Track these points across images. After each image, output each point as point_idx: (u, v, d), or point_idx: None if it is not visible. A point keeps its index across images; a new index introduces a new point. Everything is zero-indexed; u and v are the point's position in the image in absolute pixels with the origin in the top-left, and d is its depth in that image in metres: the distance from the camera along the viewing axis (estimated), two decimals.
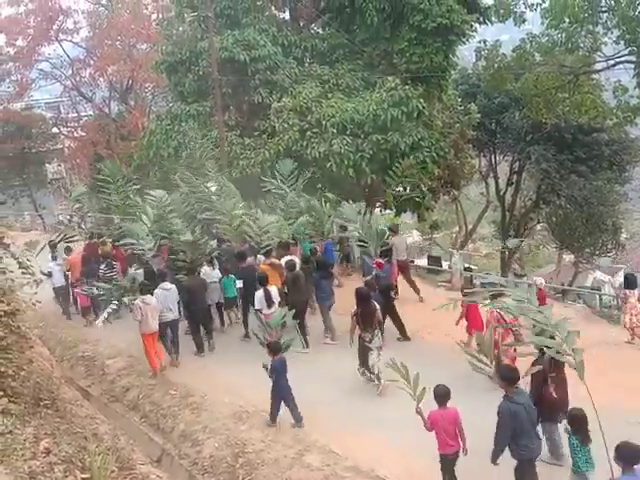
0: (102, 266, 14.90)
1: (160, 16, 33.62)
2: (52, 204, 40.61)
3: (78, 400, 10.10)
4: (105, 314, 12.18)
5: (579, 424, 6.99)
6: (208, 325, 13.28)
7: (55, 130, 42.92)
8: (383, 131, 19.07)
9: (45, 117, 43.68)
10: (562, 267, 32.28)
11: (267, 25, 21.71)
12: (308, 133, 19.24)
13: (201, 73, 21.40)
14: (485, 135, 27.71)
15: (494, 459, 7.24)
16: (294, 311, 11.09)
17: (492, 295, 8.59)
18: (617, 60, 21.76)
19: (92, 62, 38.75)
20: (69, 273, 15.99)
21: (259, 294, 12.08)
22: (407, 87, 18.86)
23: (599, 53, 22.26)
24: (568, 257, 31.60)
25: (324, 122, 19.07)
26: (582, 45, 21.50)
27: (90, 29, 38.89)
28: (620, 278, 37.33)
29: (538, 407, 7.63)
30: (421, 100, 19.06)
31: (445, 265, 23.86)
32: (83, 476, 6.69)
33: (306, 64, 21.98)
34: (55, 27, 37.47)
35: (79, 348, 14.20)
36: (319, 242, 15.52)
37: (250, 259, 13.79)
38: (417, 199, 23.43)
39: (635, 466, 5.96)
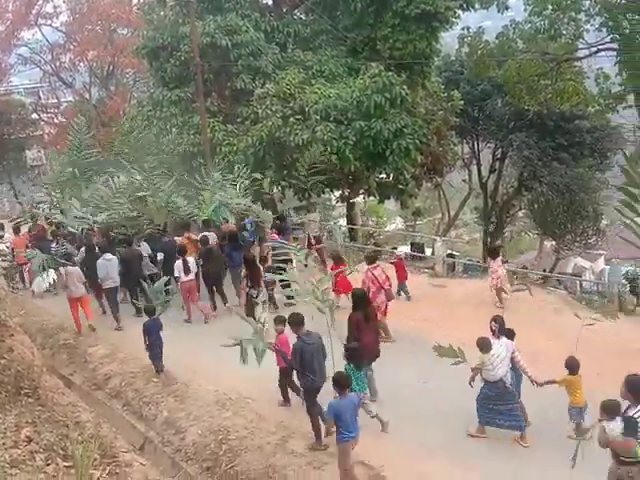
0: (53, 244, 16.25)
1: (141, 0, 33.28)
2: (31, 191, 40.12)
3: (60, 388, 10.01)
4: (46, 282, 13.13)
5: (351, 355, 8.59)
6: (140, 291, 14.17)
7: (35, 116, 42.37)
8: (367, 118, 19.05)
9: (24, 103, 43.06)
10: (543, 253, 32.53)
11: (250, 10, 21.57)
12: (291, 119, 19.15)
13: (183, 58, 21.22)
14: (468, 122, 27.73)
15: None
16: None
17: (368, 260, 12.15)
18: (599, 47, 21.80)
19: (72, 47, 38.27)
20: (16, 252, 16.89)
21: (178, 263, 13.79)
22: (390, 74, 18.82)
23: (581, 40, 22.29)
24: (549, 243, 31.83)
25: (307, 108, 19.01)
26: (565, 32, 21.56)
27: (70, 13, 38.34)
28: (601, 265, 37.82)
29: (352, 352, 8.86)
30: (404, 87, 19.05)
31: (428, 252, 24.00)
32: (65, 464, 6.66)
33: (289, 50, 21.89)
34: (34, 11, 36.92)
35: (60, 336, 14.11)
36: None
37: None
38: (400, 186, 23.53)
39: None
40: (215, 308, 14.39)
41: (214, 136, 20.48)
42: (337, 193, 25.79)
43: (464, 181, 34.39)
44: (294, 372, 9.35)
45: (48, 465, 6.46)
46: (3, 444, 6.19)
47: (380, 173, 22.78)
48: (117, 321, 14.07)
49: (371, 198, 27.90)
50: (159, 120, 21.37)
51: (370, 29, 20.79)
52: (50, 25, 38.55)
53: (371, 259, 12.42)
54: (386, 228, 44.48)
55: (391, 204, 35.92)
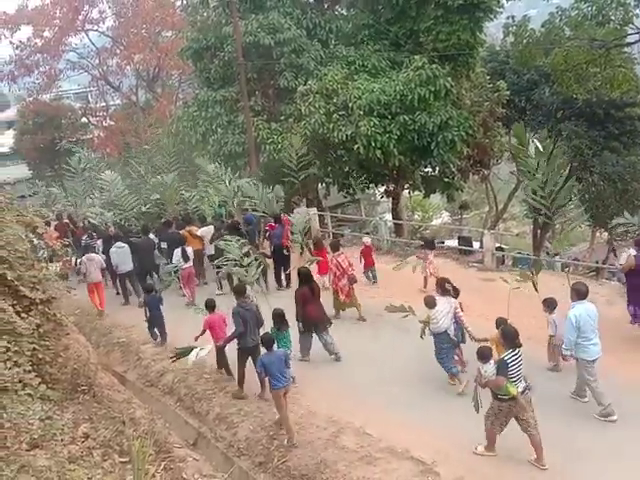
0: (84, 237, 18.15)
1: (184, 2, 33.71)
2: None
3: (114, 385, 10.27)
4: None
5: (277, 320, 10.25)
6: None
7: (84, 120, 43.37)
8: (411, 111, 18.87)
9: (74, 107, 44.18)
10: (595, 245, 31.75)
11: (291, 8, 21.60)
12: (334, 116, 19.12)
13: (226, 59, 21.43)
14: (515, 112, 27.18)
15: (225, 343, 10.61)
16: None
17: (332, 248, 13.55)
18: None
19: (118, 51, 39.05)
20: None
21: (177, 252, 15.21)
22: (434, 66, 18.59)
23: (631, 26, 21.61)
24: (602, 235, 31.05)
25: (350, 104, 18.93)
26: (613, 18, 20.92)
27: (115, 18, 39.14)
28: None
29: (301, 321, 11.09)
30: (449, 79, 18.81)
31: (476, 245, 23.68)
32: (121, 460, 6.81)
33: (331, 46, 21.85)
34: (81, 17, 37.82)
35: (114, 334, 14.43)
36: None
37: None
38: (446, 179, 23.27)
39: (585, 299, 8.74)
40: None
41: (258, 135, 20.62)
42: (382, 188, 25.66)
43: (512, 173, 33.80)
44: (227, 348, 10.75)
45: (105, 461, 6.61)
46: (61, 440, 6.35)
47: (425, 167, 22.56)
48: (125, 299, 16.20)
49: (416, 192, 27.66)
50: (205, 120, 21.60)
51: (412, 22, 20.54)
52: (96, 30, 39.45)
53: (335, 247, 13.63)
54: (432, 222, 44.07)
55: (437, 198, 35.61)
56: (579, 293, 8.76)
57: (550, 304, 9.91)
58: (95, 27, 39.17)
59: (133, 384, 12.33)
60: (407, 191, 26.07)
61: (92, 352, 10.51)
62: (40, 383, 6.74)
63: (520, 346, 7.72)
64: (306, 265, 12.79)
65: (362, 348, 11.68)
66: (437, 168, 22.36)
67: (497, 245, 19.43)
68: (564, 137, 26.54)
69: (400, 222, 23.76)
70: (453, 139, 19.22)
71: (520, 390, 7.56)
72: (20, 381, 6.39)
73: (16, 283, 7.56)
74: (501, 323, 8.83)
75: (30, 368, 6.84)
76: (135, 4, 38.26)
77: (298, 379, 10.48)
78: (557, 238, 32.97)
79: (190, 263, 15.33)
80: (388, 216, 29.50)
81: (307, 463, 8.48)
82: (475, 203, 45.07)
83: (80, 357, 8.94)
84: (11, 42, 37.52)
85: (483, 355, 7.99)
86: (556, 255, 25.99)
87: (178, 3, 37.54)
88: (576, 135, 25.56)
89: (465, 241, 25.48)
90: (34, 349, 7.29)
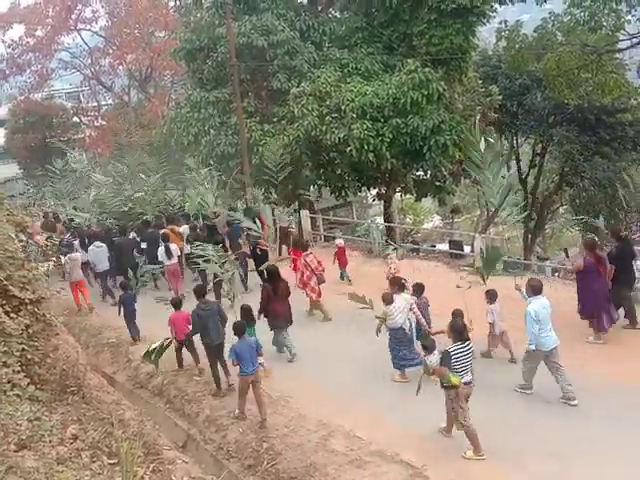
0: (67, 235, 18.54)
1: (178, 3, 33.59)
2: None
3: (104, 386, 10.21)
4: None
5: (243, 314, 10.61)
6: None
7: (76, 119, 43.24)
8: (403, 115, 18.91)
9: (66, 106, 44.05)
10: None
11: (285, 10, 21.59)
12: (327, 118, 19.13)
13: (219, 59, 21.37)
14: (507, 117, 27.29)
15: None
16: None
17: (301, 249, 14.12)
18: None
19: (111, 51, 38.99)
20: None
21: (161, 249, 15.60)
22: (427, 70, 18.63)
23: (622, 32, 21.76)
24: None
25: (343, 107, 18.95)
26: (605, 24, 21.04)
27: (108, 18, 39.09)
28: None
29: (267, 318, 11.56)
30: (441, 83, 18.84)
31: (467, 249, 23.72)
32: (110, 461, 6.77)
33: (324, 48, 21.83)
34: (74, 16, 37.74)
35: (103, 335, 14.36)
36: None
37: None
38: (438, 183, 23.30)
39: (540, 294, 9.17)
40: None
41: (251, 136, 20.59)
42: (374, 191, 25.67)
43: (503, 177, 33.88)
44: (192, 342, 11.33)
45: (94, 462, 6.57)
46: (50, 441, 6.30)
47: (417, 170, 22.59)
48: (112, 297, 16.10)
49: (408, 196, 27.69)
50: (197, 121, 21.54)
51: (406, 25, 20.58)
52: (89, 30, 39.41)
53: (304, 247, 14.23)
54: (424, 226, 44.13)
55: (429, 202, 35.62)
56: (534, 289, 9.22)
57: (491, 295, 10.55)
58: (88, 26, 39.12)
59: (122, 385, 12.29)
60: (399, 194, 26.09)
61: (81, 353, 10.48)
62: (29, 384, 6.70)
63: (468, 339, 8.17)
64: (275, 263, 12.97)
65: (343, 347, 11.79)
66: (429, 172, 22.40)
67: None
68: (555, 142, 26.70)
69: (392, 225, 23.77)
70: (445, 143, 19.25)
71: (466, 381, 8.06)
72: (9, 381, 6.35)
73: (5, 283, 7.52)
74: (457, 315, 9.25)
75: (19, 368, 6.80)
76: (128, 4, 38.19)
77: (287, 381, 10.56)
78: (548, 242, 33.15)
79: (175, 260, 15.72)
80: (380, 219, 29.53)
81: (296, 466, 8.47)
82: (466, 207, 45.14)
83: (69, 358, 8.91)
84: (3, 40, 37.52)
85: (427, 347, 8.70)
86: (546, 260, 26.08)
87: (171, 3, 37.44)
88: (567, 140, 25.69)
89: (456, 245, 25.52)
90: (23, 349, 7.25)
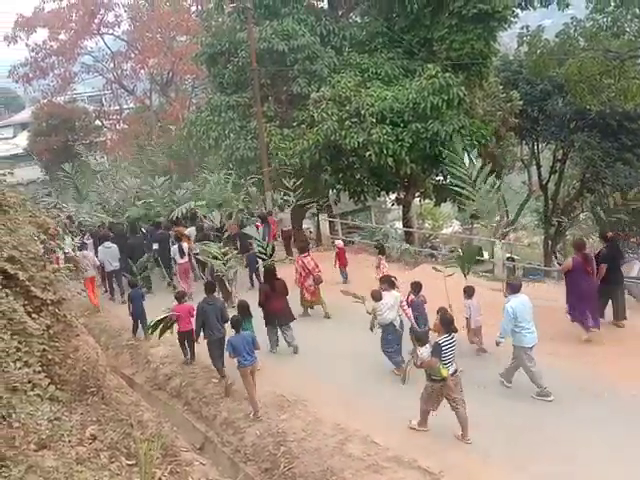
0: (85, 236, 19.17)
1: (199, 8, 33.87)
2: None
3: (123, 388, 10.28)
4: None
5: (240, 310, 11.17)
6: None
7: (98, 123, 43.62)
8: (423, 120, 18.88)
9: (88, 110, 44.43)
10: None
11: (305, 15, 21.64)
12: (347, 122, 19.15)
13: (240, 64, 21.46)
14: (527, 122, 27.10)
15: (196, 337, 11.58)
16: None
17: (299, 250, 14.63)
18: None
19: (133, 55, 39.31)
20: None
21: (174, 248, 16.63)
22: (447, 75, 18.61)
23: None
24: None
25: (363, 111, 18.96)
26: (628, 29, 20.84)
27: (131, 22, 39.42)
28: None
29: (264, 315, 12.01)
30: (462, 88, 18.81)
31: (486, 255, 23.59)
32: (128, 462, 6.81)
33: (345, 53, 21.86)
34: (97, 21, 38.11)
35: (123, 337, 14.47)
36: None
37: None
38: (457, 188, 23.17)
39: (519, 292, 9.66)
40: None
41: (271, 140, 20.65)
42: (393, 196, 25.62)
43: (524, 183, 33.66)
44: (194, 335, 11.67)
45: (112, 463, 6.61)
46: (69, 441, 6.35)
47: (436, 175, 22.53)
48: (121, 295, 17.06)
49: (427, 201, 27.61)
50: (217, 125, 21.65)
51: (426, 30, 20.58)
52: (112, 34, 39.75)
53: (302, 249, 14.63)
54: (443, 231, 43.94)
55: (448, 207, 35.48)
56: (513, 287, 9.76)
57: (469, 291, 11.25)
58: (110, 31, 39.50)
59: (141, 387, 12.37)
60: (418, 199, 26.03)
61: (101, 354, 10.53)
62: (49, 384, 6.74)
63: (455, 331, 8.62)
64: (271, 263, 13.48)
65: (347, 345, 12.00)
66: (448, 177, 22.30)
67: (508, 255, 19.34)
68: (577, 148, 26.42)
69: (411, 230, 23.71)
70: (465, 148, 19.15)
71: (451, 372, 8.37)
72: (29, 381, 6.40)
73: (27, 284, 7.59)
74: (440, 311, 9.44)
75: (40, 369, 6.84)
76: (151, 9, 38.54)
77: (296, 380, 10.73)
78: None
79: (186, 259, 16.60)
80: (399, 224, 29.47)
81: (313, 470, 8.45)
82: (489, 213, 44.84)
83: (89, 359, 8.96)
84: (27, 44, 37.91)
85: (420, 339, 9.01)
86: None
87: (193, 8, 37.77)
88: (589, 146, 25.43)
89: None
90: (44, 350, 7.30)
